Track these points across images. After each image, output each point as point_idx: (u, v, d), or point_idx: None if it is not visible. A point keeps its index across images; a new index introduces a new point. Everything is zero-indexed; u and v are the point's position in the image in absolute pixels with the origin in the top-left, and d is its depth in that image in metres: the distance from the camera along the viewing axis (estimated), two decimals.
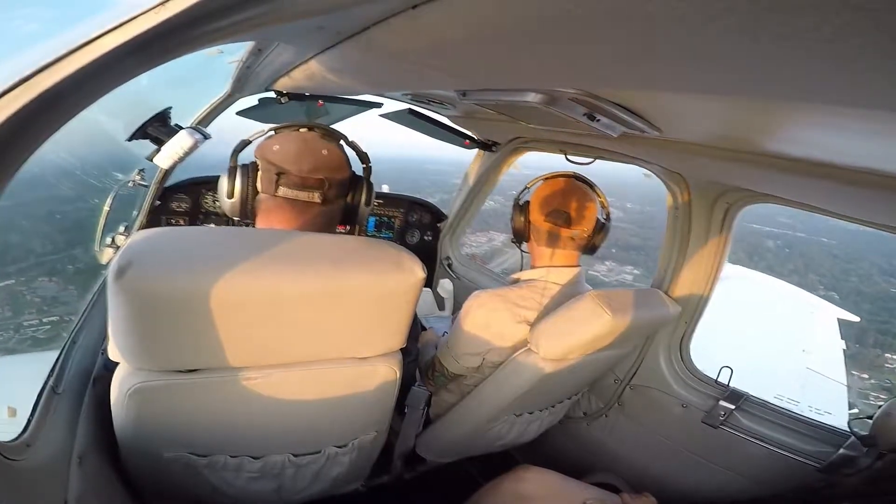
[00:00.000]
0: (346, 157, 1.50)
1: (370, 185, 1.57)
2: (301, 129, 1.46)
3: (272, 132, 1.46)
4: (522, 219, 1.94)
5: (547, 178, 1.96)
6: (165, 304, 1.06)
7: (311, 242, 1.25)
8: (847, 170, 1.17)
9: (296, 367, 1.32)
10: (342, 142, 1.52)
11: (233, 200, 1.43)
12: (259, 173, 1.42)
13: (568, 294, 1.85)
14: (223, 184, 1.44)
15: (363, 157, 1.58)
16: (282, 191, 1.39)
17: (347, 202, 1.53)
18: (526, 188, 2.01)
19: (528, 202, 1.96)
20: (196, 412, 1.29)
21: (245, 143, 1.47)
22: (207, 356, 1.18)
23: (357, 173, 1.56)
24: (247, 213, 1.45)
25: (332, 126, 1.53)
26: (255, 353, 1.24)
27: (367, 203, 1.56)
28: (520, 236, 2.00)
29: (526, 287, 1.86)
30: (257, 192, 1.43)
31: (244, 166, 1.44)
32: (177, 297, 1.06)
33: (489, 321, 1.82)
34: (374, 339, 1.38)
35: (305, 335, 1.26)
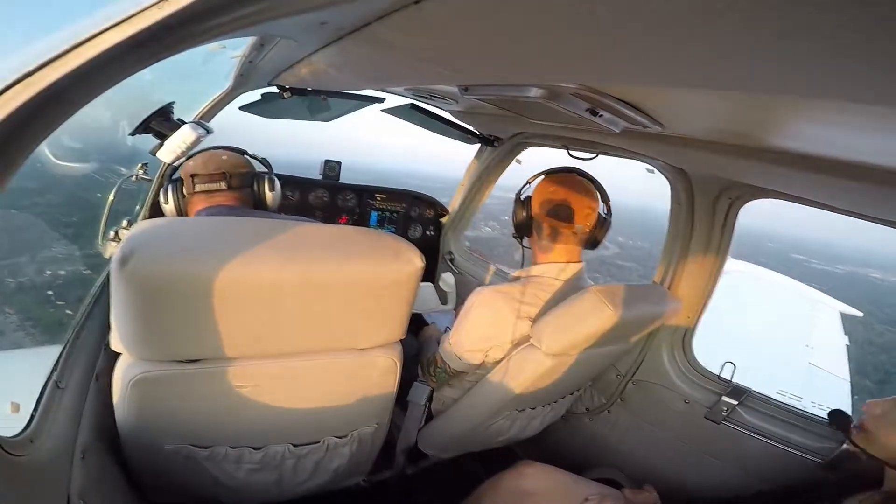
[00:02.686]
0: (245, 160, 2.01)
1: (271, 179, 2.04)
2: (210, 150, 1.96)
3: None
4: (524, 214, 1.94)
5: (548, 173, 1.96)
6: (168, 292, 1.07)
7: (310, 232, 1.26)
8: (850, 165, 1.17)
9: (295, 357, 1.34)
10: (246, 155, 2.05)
11: (169, 205, 1.91)
12: (182, 183, 1.91)
13: (570, 290, 1.84)
14: (161, 199, 1.94)
15: (264, 162, 2.16)
16: (198, 187, 1.88)
17: (255, 190, 2.01)
18: (527, 183, 2.01)
19: (529, 197, 1.95)
20: (197, 402, 1.30)
21: (175, 169, 2.00)
22: (208, 346, 1.19)
23: (261, 172, 2.07)
24: (181, 212, 1.93)
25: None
26: (255, 342, 1.25)
27: (271, 189, 2.03)
28: (521, 231, 1.99)
29: (528, 283, 1.86)
30: (185, 196, 1.91)
31: (172, 183, 1.92)
32: (179, 286, 1.07)
33: (491, 318, 1.82)
34: (374, 330, 1.39)
35: (305, 325, 1.27)
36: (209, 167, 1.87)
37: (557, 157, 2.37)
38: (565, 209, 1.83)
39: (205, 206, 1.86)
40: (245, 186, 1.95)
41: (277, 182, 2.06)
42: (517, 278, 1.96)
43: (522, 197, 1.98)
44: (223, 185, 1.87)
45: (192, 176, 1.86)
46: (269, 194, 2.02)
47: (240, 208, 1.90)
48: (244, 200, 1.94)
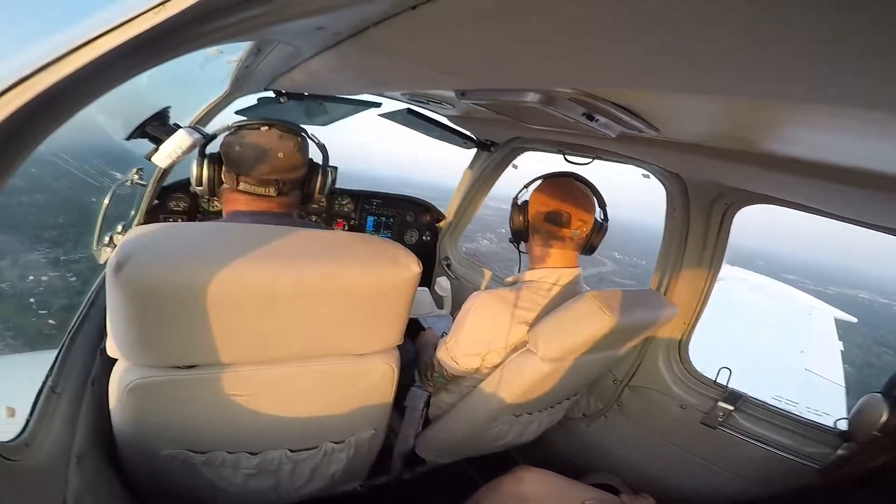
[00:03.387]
0: (303, 153, 1.67)
1: (325, 174, 1.74)
2: (262, 128, 1.59)
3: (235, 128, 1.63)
4: (521, 218, 1.94)
5: (546, 178, 1.96)
6: (163, 298, 1.07)
7: (307, 238, 1.26)
8: (845, 170, 1.18)
9: (293, 362, 1.33)
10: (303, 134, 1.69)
11: (202, 188, 1.64)
12: (223, 168, 1.62)
13: (567, 295, 1.85)
14: (193, 171, 1.65)
15: (321, 147, 1.75)
16: (242, 186, 1.59)
17: (304, 191, 1.73)
18: (525, 187, 2.01)
19: (526, 202, 1.95)
20: (194, 408, 1.30)
21: (211, 139, 1.68)
22: (205, 352, 1.19)
23: (315, 161, 1.75)
24: (214, 193, 1.67)
25: None
26: (252, 348, 1.25)
27: (321, 191, 1.75)
28: (518, 236, 1.99)
29: (525, 288, 1.86)
30: (222, 182, 1.64)
31: (210, 157, 1.64)
32: (175, 291, 1.07)
33: (489, 322, 1.82)
34: (371, 336, 1.39)
35: (302, 331, 1.27)
36: (261, 168, 1.58)
37: (554, 162, 2.38)
38: (562, 214, 1.84)
39: (246, 210, 1.62)
40: (295, 189, 1.70)
41: (329, 178, 1.79)
42: (513, 283, 1.96)
43: (520, 201, 1.98)
44: (272, 192, 1.61)
45: (238, 175, 1.59)
46: (317, 196, 1.77)
47: (287, 216, 1.68)
48: (291, 205, 1.71)
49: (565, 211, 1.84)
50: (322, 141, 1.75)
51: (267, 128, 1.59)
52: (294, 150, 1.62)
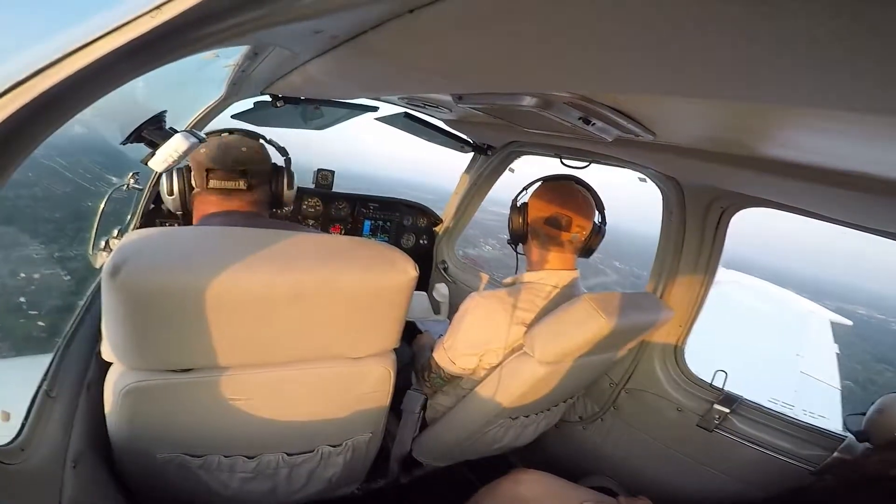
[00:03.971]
0: (265, 153, 1.77)
1: (290, 173, 1.82)
2: (223, 135, 1.72)
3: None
4: (520, 220, 1.94)
5: (545, 181, 1.97)
6: (159, 302, 1.07)
7: (304, 242, 1.26)
8: (840, 173, 1.18)
9: (289, 366, 1.33)
10: (261, 140, 1.80)
11: (173, 197, 1.67)
12: (192, 173, 1.66)
13: (565, 297, 1.85)
14: (163, 184, 1.69)
15: (282, 150, 1.88)
16: (212, 183, 1.63)
17: (273, 189, 1.78)
18: (524, 189, 2.01)
19: (525, 204, 1.96)
20: (190, 411, 1.29)
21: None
22: (201, 355, 1.18)
23: (279, 165, 1.83)
24: (185, 207, 1.70)
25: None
26: (248, 352, 1.24)
27: (290, 187, 1.81)
28: (517, 238, 2.00)
29: (523, 290, 1.86)
30: (192, 189, 1.67)
31: (179, 169, 1.67)
32: (171, 296, 1.07)
33: (486, 323, 1.82)
34: (367, 339, 1.39)
35: (298, 334, 1.27)
36: (227, 160, 1.63)
37: (550, 166, 2.38)
38: (561, 218, 1.84)
39: (217, 211, 1.65)
40: (263, 184, 1.74)
41: (295, 177, 1.85)
42: (511, 284, 1.97)
43: (519, 203, 1.98)
44: (242, 185, 1.64)
45: (208, 170, 1.62)
46: (287, 193, 1.81)
47: (257, 216, 1.71)
48: (261, 203, 1.74)
49: (565, 215, 1.84)
50: (283, 145, 1.89)
51: (227, 134, 1.73)
52: (257, 147, 1.73)
